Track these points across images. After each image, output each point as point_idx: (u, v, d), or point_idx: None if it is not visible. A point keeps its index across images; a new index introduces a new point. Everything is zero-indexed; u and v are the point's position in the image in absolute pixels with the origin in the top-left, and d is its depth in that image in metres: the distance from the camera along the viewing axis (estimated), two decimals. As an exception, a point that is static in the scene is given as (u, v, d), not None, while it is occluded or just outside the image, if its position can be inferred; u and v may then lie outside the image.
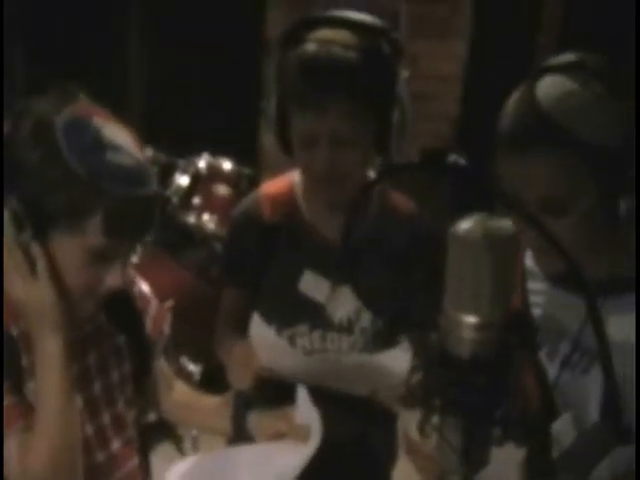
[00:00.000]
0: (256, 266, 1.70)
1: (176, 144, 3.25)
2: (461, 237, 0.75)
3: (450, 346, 0.76)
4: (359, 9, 1.59)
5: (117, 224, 1.21)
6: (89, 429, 1.34)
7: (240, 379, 1.64)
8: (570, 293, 1.26)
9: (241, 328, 1.68)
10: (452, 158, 0.88)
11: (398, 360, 1.51)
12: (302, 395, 1.47)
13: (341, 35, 1.51)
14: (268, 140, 4.17)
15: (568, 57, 1.23)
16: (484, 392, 0.73)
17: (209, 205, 3.23)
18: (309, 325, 1.66)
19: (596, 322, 0.75)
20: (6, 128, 1.24)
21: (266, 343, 1.58)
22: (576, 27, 3.36)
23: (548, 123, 1.15)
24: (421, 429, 0.76)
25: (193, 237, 3.26)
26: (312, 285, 1.66)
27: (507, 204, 0.78)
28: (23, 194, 1.19)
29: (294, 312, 1.61)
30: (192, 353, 3.06)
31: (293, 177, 1.72)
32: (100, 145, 1.20)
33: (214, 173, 3.26)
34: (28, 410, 1.24)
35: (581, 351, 1.24)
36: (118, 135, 1.24)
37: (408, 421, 1.35)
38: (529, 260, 1.36)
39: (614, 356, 0.79)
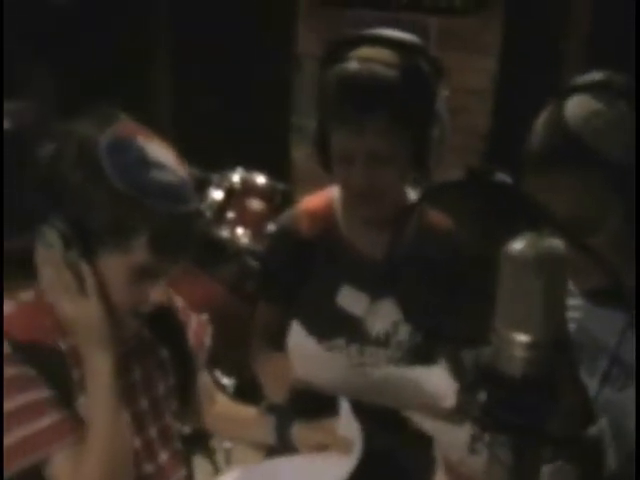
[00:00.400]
0: (292, 281, 1.72)
1: (210, 159, 3.28)
2: (514, 257, 0.77)
3: (501, 364, 0.77)
4: (389, 25, 1.62)
5: (162, 241, 1.23)
6: (137, 442, 1.36)
7: (275, 392, 1.67)
8: (606, 308, 1.27)
9: (276, 343, 1.69)
10: (499, 177, 0.89)
11: (434, 378, 1.52)
12: (345, 408, 1.49)
13: (381, 54, 1.53)
14: (300, 155, 4.22)
15: (595, 76, 1.24)
16: (535, 411, 0.74)
17: (243, 219, 3.26)
18: (346, 339, 1.67)
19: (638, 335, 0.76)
20: (49, 150, 1.26)
21: (305, 352, 1.58)
22: (602, 41, 3.36)
23: (576, 143, 1.17)
24: (472, 447, 0.78)
25: (226, 251, 3.29)
26: (350, 299, 1.68)
27: (551, 222, 0.79)
28: (69, 214, 1.22)
29: (332, 326, 1.63)
30: (225, 367, 3.07)
31: (332, 193, 1.75)
32: (144, 163, 1.22)
33: (248, 188, 3.29)
34: (79, 424, 1.26)
35: (620, 367, 1.24)
36: (161, 153, 1.26)
37: (448, 444, 1.36)
38: None
39: None
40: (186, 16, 4.15)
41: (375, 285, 1.67)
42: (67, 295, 1.25)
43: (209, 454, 2.96)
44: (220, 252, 3.30)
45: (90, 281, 1.24)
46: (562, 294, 0.79)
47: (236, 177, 3.30)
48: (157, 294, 1.31)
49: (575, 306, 1.35)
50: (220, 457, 2.97)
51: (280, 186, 3.38)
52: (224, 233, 3.25)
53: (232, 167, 3.35)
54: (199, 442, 2.83)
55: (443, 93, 1.58)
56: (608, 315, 1.25)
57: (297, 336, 1.57)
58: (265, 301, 1.82)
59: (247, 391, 2.20)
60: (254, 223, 3.27)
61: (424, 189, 1.52)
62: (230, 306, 3.11)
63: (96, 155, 1.20)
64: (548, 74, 3.63)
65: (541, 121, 1.25)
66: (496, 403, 0.75)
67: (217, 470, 2.84)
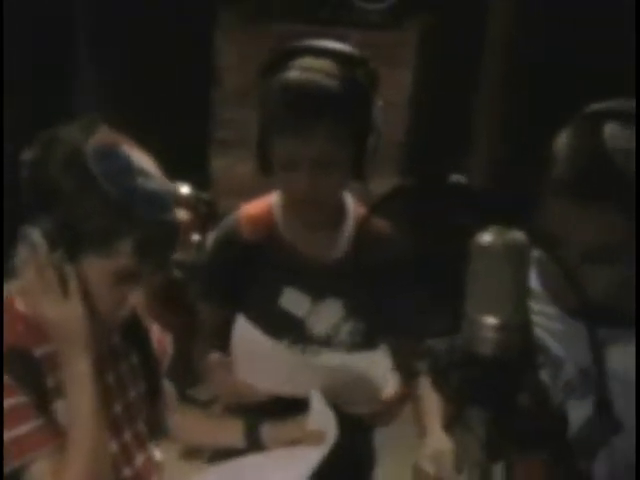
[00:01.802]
0: (236, 285, 1.76)
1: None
2: (484, 247, 0.84)
3: (474, 347, 0.83)
4: (311, 38, 1.67)
5: (147, 247, 1.25)
6: (114, 446, 1.36)
7: (222, 390, 1.70)
8: (578, 321, 1.27)
9: (221, 346, 1.73)
10: (454, 178, 0.96)
11: (376, 364, 1.59)
12: (316, 399, 1.52)
13: (322, 63, 1.59)
14: (220, 167, 4.25)
15: (623, 104, 1.26)
16: (506, 386, 0.81)
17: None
18: (290, 339, 1.72)
19: (594, 342, 0.84)
20: (33, 154, 1.27)
21: (251, 345, 1.60)
22: (519, 58, 3.51)
23: (616, 173, 1.18)
24: (448, 425, 0.84)
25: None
26: (292, 301, 1.73)
27: (517, 225, 0.85)
28: (57, 217, 1.23)
29: (276, 327, 1.66)
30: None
31: (272, 198, 1.79)
32: (131, 171, 1.25)
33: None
34: (58, 431, 1.26)
35: (585, 377, 1.30)
36: (144, 161, 1.29)
37: (419, 454, 1.42)
38: (533, 280, 1.38)
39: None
40: (105, 28, 4.12)
41: (316, 286, 1.73)
42: (48, 297, 1.25)
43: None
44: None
45: (73, 283, 1.25)
46: (526, 279, 0.86)
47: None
48: (136, 298, 1.33)
49: (546, 313, 1.37)
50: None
51: (205, 196, 3.40)
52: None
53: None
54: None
55: (379, 103, 1.65)
56: (580, 328, 1.29)
57: (242, 329, 1.59)
58: (209, 306, 1.85)
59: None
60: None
61: (379, 196, 1.59)
62: (159, 318, 3.09)
63: (84, 161, 1.23)
64: (461, 89, 3.78)
65: (568, 144, 1.25)
66: (470, 381, 0.82)
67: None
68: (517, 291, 0.84)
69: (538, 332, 1.32)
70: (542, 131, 1.34)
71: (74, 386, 1.27)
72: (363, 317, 1.73)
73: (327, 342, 1.74)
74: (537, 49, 3.37)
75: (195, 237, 3.31)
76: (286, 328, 1.71)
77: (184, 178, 3.58)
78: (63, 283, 1.25)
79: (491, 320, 0.83)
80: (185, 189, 3.37)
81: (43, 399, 1.27)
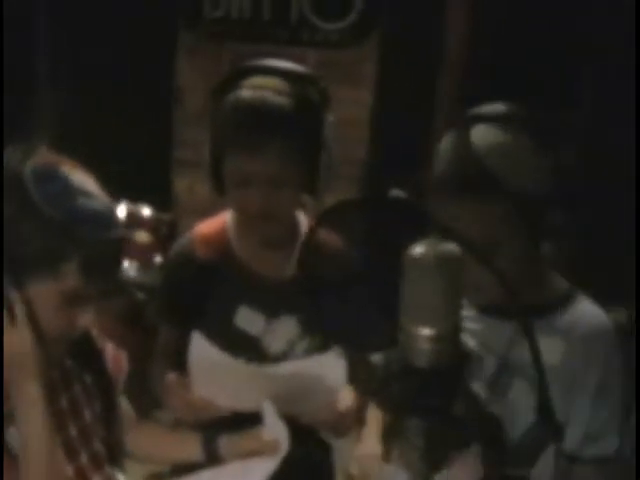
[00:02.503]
0: (191, 304, 1.76)
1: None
2: (416, 259, 0.85)
3: (410, 358, 0.85)
4: (270, 58, 1.69)
5: (92, 267, 1.24)
6: (70, 469, 1.35)
7: (178, 409, 1.69)
8: (494, 318, 1.37)
9: (177, 365, 1.72)
10: (394, 193, 0.98)
11: (332, 365, 1.59)
12: (268, 410, 1.53)
13: (273, 82, 1.60)
14: (182, 187, 4.24)
15: (497, 107, 1.32)
16: (441, 395, 0.83)
17: (129, 251, 3.26)
18: (245, 358, 1.71)
19: (532, 339, 0.86)
20: None
21: (207, 361, 1.60)
22: (476, 74, 3.56)
23: (481, 173, 1.24)
24: (385, 436, 0.85)
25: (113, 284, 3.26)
26: (247, 320, 1.73)
27: (450, 236, 0.87)
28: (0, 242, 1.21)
29: (232, 346, 1.65)
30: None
31: (225, 217, 1.80)
32: (70, 192, 1.23)
33: (133, 220, 3.30)
34: (10, 457, 1.25)
35: (503, 372, 1.34)
36: (84, 181, 1.28)
37: (347, 457, 1.44)
38: None
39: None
40: (65, 46, 4.12)
41: (271, 304, 1.73)
42: None
43: None
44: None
45: (20, 309, 1.23)
46: (460, 290, 0.87)
47: (121, 210, 3.31)
48: (86, 319, 1.31)
49: (466, 316, 1.44)
50: None
51: (165, 217, 3.41)
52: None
53: (116, 200, 3.34)
54: None
55: (330, 120, 1.67)
56: (496, 324, 1.35)
57: (198, 346, 1.59)
58: (165, 326, 1.85)
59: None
60: (141, 255, 3.28)
61: (322, 210, 1.61)
62: (121, 339, 3.08)
63: (22, 185, 1.21)
64: (421, 106, 3.82)
65: (445, 147, 1.32)
66: (408, 392, 0.83)
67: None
68: (450, 302, 0.85)
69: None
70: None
71: (26, 412, 1.25)
72: (318, 333, 1.74)
73: (283, 360, 1.74)
74: (495, 62, 3.43)
75: (157, 258, 3.33)
76: (242, 347, 1.71)
77: (146, 199, 3.60)
78: (9, 311, 1.23)
79: (425, 331, 0.84)
80: (146, 211, 3.40)
81: None
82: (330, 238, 1.80)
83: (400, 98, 3.82)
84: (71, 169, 1.27)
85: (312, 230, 1.68)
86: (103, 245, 1.25)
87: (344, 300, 1.70)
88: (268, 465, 1.46)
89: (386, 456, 0.90)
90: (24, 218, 1.21)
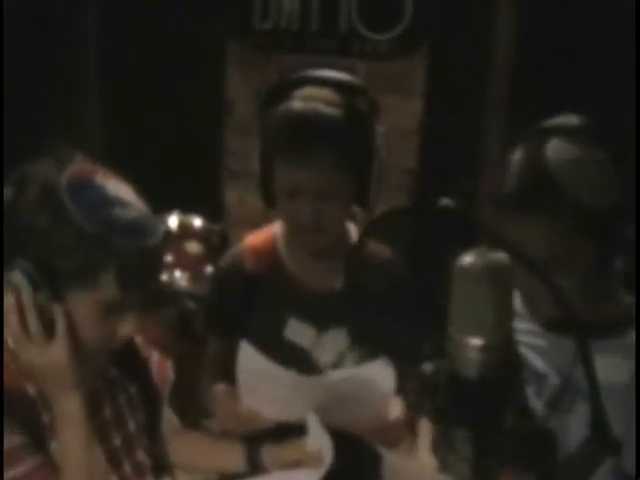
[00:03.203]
0: (240, 317, 1.76)
1: (145, 204, 3.30)
2: (466, 268, 0.85)
3: (458, 368, 0.84)
4: (320, 68, 1.70)
5: (129, 276, 1.24)
6: (114, 479, 1.36)
7: (225, 420, 1.70)
8: (558, 334, 1.34)
9: (226, 377, 1.73)
10: (444, 201, 0.97)
11: (382, 373, 1.58)
12: (312, 421, 1.53)
13: (324, 93, 1.60)
14: (232, 198, 4.28)
15: (570, 120, 1.29)
16: (491, 407, 0.82)
17: (181, 262, 3.29)
18: (295, 370, 1.72)
19: (587, 359, 0.84)
20: (7, 194, 1.26)
21: (256, 371, 1.60)
22: (524, 85, 3.53)
23: (554, 188, 1.22)
24: (435, 447, 0.84)
25: (165, 295, 3.30)
26: (297, 332, 1.73)
27: (501, 246, 0.86)
28: (35, 256, 1.21)
29: (281, 359, 1.64)
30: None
31: (274, 229, 1.80)
32: (107, 202, 1.23)
33: (185, 230, 3.34)
34: (54, 470, 1.25)
35: (566, 390, 1.31)
36: (121, 190, 1.28)
37: (396, 468, 1.42)
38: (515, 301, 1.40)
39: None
40: (116, 61, 4.19)
41: (321, 316, 1.73)
42: (31, 344, 1.23)
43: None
44: (159, 296, 3.32)
45: (61, 323, 1.24)
46: (509, 300, 0.87)
47: (173, 220, 3.35)
48: (126, 328, 1.31)
49: (528, 331, 1.40)
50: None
51: (217, 228, 3.44)
52: (163, 277, 3.27)
53: (168, 211, 3.39)
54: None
55: (381, 130, 1.66)
56: (560, 340, 1.32)
57: (247, 355, 1.59)
58: (213, 338, 1.86)
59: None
60: (192, 265, 3.31)
61: (369, 220, 1.60)
62: (172, 349, 3.10)
63: (59, 197, 1.21)
64: (470, 115, 3.80)
65: (518, 161, 1.28)
66: (456, 402, 0.82)
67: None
68: (500, 311, 0.84)
69: (519, 348, 1.34)
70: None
71: (64, 425, 1.26)
72: (368, 344, 1.73)
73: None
74: (542, 71, 3.39)
75: (208, 269, 3.35)
76: (292, 359, 1.70)
77: (197, 210, 3.63)
78: (48, 326, 1.23)
79: (474, 341, 0.83)
80: (197, 221, 3.43)
81: (40, 438, 1.26)
82: (378, 249, 1.80)
83: (449, 107, 3.81)
84: (107, 178, 1.27)
85: (359, 240, 1.68)
86: (140, 254, 1.24)
87: (392, 310, 1.70)
88: (311, 477, 1.46)
89: (437, 468, 0.90)
90: (60, 229, 1.21)
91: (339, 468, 1.51)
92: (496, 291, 0.83)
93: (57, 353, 1.24)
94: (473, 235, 0.92)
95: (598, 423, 0.90)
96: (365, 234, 1.74)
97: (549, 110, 1.36)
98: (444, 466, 0.85)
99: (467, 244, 0.89)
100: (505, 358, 0.83)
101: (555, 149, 1.24)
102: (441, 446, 0.84)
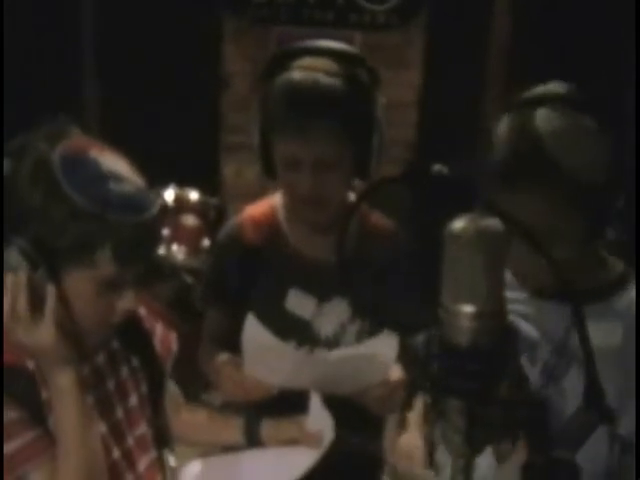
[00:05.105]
0: (240, 288, 1.75)
1: (141, 177, 3.28)
2: (456, 235, 0.83)
3: (450, 336, 0.83)
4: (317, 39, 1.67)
5: (127, 251, 1.21)
6: (116, 453, 1.35)
7: (229, 389, 1.70)
8: (549, 301, 1.32)
9: (227, 347, 1.73)
10: (437, 168, 0.95)
11: (384, 345, 1.57)
12: (315, 401, 1.53)
13: (323, 63, 1.58)
14: (229, 172, 4.26)
15: (559, 88, 1.26)
16: (483, 375, 0.80)
17: (177, 236, 3.27)
18: (297, 341, 1.71)
19: (581, 326, 0.83)
20: (6, 166, 1.23)
21: (261, 343, 1.59)
22: (524, 54, 3.50)
23: (545, 158, 1.19)
24: (426, 416, 0.83)
25: (162, 269, 3.29)
26: (298, 303, 1.72)
27: (497, 214, 0.85)
28: (31, 234, 1.19)
29: (282, 329, 1.65)
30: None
31: (274, 200, 1.79)
32: (101, 176, 1.20)
33: (181, 204, 3.31)
34: (52, 443, 1.25)
35: (560, 355, 1.31)
36: (115, 164, 1.24)
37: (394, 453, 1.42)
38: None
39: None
40: (112, 38, 4.16)
41: (321, 288, 1.72)
42: (19, 325, 1.21)
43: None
44: (156, 270, 3.30)
45: (50, 304, 1.21)
46: (501, 267, 0.85)
47: (169, 194, 3.32)
48: (127, 302, 1.29)
49: (519, 299, 1.38)
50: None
51: (213, 201, 3.42)
52: (159, 251, 3.26)
53: (164, 184, 3.37)
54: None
55: (381, 101, 1.64)
56: (551, 307, 1.31)
57: (252, 328, 1.58)
58: (214, 309, 1.85)
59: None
60: (189, 239, 3.29)
61: (364, 188, 1.57)
62: (170, 324, 3.10)
63: (51, 172, 1.18)
64: (469, 87, 3.78)
65: (506, 130, 1.26)
66: (448, 371, 0.81)
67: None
68: (492, 278, 0.82)
69: (510, 317, 1.34)
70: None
71: (57, 401, 1.24)
72: (369, 316, 1.72)
73: (334, 343, 1.73)
74: (540, 41, 3.37)
75: (205, 242, 3.34)
76: (293, 330, 1.70)
77: (194, 184, 3.62)
78: (39, 306, 1.21)
79: (466, 308, 0.82)
80: (194, 195, 3.41)
81: (39, 412, 1.25)
82: (381, 221, 1.78)
83: (448, 80, 3.78)
84: (101, 152, 1.24)
85: (352, 207, 1.66)
86: (136, 229, 1.22)
87: (394, 282, 1.68)
88: (309, 457, 1.45)
89: (429, 437, 0.89)
90: (54, 205, 1.18)
91: (340, 443, 1.50)
92: (488, 257, 0.81)
93: (44, 333, 1.21)
94: (468, 202, 0.91)
95: (592, 390, 0.89)
96: (359, 200, 1.73)
97: (548, 80, 1.33)
98: (436, 436, 0.84)
99: (462, 211, 0.87)
100: (498, 326, 0.82)
101: (544, 118, 1.21)
102: (433, 416, 0.83)
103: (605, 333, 1.24)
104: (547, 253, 0.84)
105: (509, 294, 1.36)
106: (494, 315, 0.82)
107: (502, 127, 1.27)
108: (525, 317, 1.34)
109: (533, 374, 1.30)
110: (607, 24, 3.31)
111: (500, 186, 1.24)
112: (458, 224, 0.83)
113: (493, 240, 0.82)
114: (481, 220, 0.82)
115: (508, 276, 1.37)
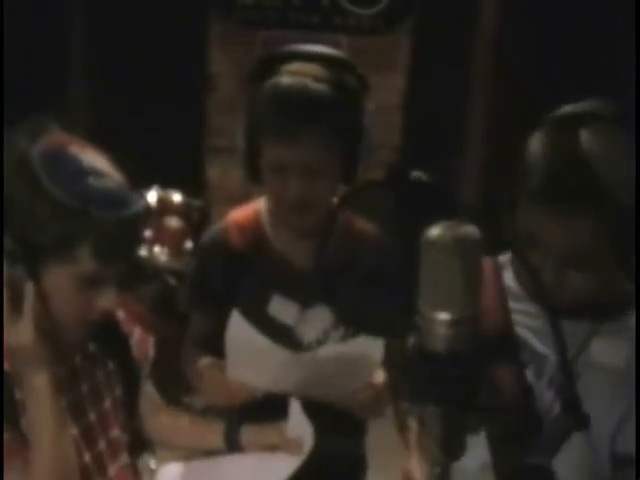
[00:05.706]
0: (223, 293, 1.73)
1: (125, 178, 3.27)
2: (433, 241, 0.83)
3: (427, 343, 0.82)
4: (304, 43, 1.65)
5: (107, 247, 1.21)
6: (87, 457, 1.33)
7: (211, 392, 1.69)
8: (561, 317, 1.29)
9: (208, 350, 1.71)
10: (416, 174, 0.95)
11: (371, 345, 1.55)
12: (295, 408, 1.51)
13: (312, 68, 1.55)
14: (214, 174, 4.25)
15: (595, 106, 1.21)
16: (458, 382, 0.80)
17: (160, 238, 3.26)
18: (280, 347, 1.70)
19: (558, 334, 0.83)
20: None
21: (246, 342, 1.58)
22: (509, 57, 3.51)
23: (592, 179, 1.14)
24: (401, 423, 0.83)
25: (145, 271, 3.28)
26: (281, 309, 1.70)
27: (479, 223, 0.84)
28: (13, 230, 1.18)
29: (265, 335, 1.61)
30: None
31: (259, 205, 1.77)
32: (81, 172, 1.20)
33: (164, 206, 3.30)
34: (25, 445, 1.24)
35: (568, 371, 1.26)
36: (96, 160, 1.24)
37: (410, 462, 1.40)
38: (510, 280, 1.37)
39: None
40: (101, 39, 4.14)
41: (305, 294, 1.70)
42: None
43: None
44: (139, 271, 3.29)
45: (28, 301, 1.21)
46: (478, 273, 0.85)
47: (152, 196, 3.31)
48: (105, 302, 1.28)
49: (529, 312, 1.35)
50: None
51: (197, 203, 3.41)
52: (142, 252, 3.25)
53: (148, 186, 3.36)
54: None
55: (370, 107, 1.62)
56: (565, 324, 1.28)
57: (237, 326, 1.57)
58: (198, 311, 1.84)
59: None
60: (172, 241, 3.28)
61: (344, 192, 1.56)
62: (149, 327, 3.08)
63: (32, 168, 1.18)
64: (454, 90, 3.78)
65: (543, 150, 1.21)
66: (424, 377, 0.81)
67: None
68: (469, 285, 0.82)
69: (519, 330, 1.32)
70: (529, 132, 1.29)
71: (31, 402, 1.23)
72: (352, 323, 1.71)
73: (317, 349, 1.72)
74: (527, 48, 3.38)
75: (187, 244, 3.33)
76: (275, 336, 1.68)
77: (178, 186, 3.60)
78: (15, 302, 1.20)
79: (442, 316, 0.81)
80: (177, 197, 3.39)
81: (13, 413, 1.24)
82: (366, 227, 1.77)
83: (433, 83, 3.78)
84: (81, 148, 1.24)
85: (333, 212, 1.64)
86: (117, 225, 1.21)
87: (377, 289, 1.67)
88: (290, 463, 1.44)
89: (405, 443, 0.88)
90: (35, 202, 1.18)
91: (324, 446, 1.49)
92: (465, 264, 0.81)
93: (22, 332, 1.21)
94: (448, 208, 0.91)
95: (570, 397, 0.89)
96: (340, 205, 1.72)
97: (535, 84, 1.33)
98: (413, 442, 0.84)
99: (442, 217, 0.87)
100: (475, 332, 0.82)
101: (587, 137, 1.16)
102: (412, 423, 0.83)
103: (617, 350, 1.24)
104: (529, 264, 0.84)
105: (518, 305, 1.34)
106: (471, 322, 0.82)
107: (536, 146, 1.22)
108: (534, 331, 1.32)
109: (539, 388, 1.26)
110: (607, 24, 3.31)
111: (541, 206, 1.20)
112: (435, 231, 0.83)
113: (470, 247, 0.82)
114: (458, 227, 0.82)
115: (516, 288, 1.36)
